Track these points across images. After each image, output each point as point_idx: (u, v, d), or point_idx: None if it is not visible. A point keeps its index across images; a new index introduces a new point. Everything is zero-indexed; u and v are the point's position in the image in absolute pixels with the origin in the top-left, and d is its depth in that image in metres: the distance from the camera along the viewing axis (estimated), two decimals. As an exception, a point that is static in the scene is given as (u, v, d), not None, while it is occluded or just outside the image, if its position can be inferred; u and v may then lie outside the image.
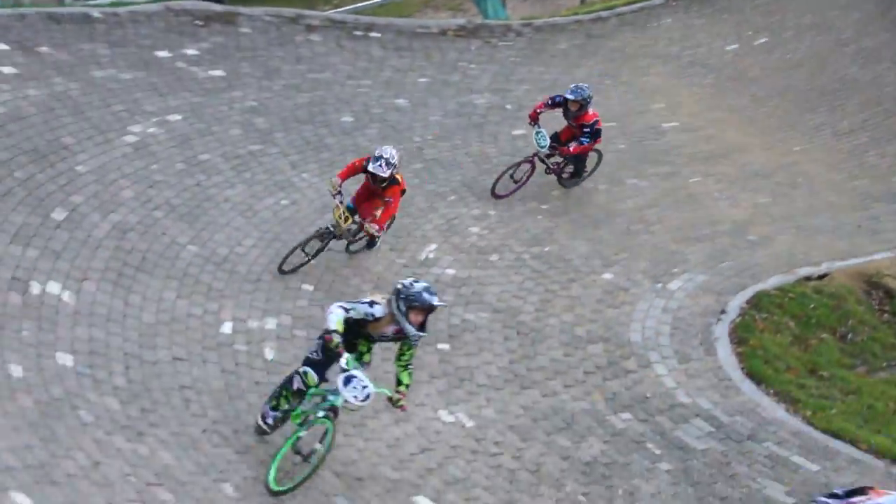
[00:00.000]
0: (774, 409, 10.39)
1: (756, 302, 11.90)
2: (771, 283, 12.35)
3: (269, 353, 10.13)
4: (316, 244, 11.22)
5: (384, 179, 10.94)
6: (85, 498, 7.97)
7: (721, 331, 11.50)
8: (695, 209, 14.06)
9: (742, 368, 10.93)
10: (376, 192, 11.16)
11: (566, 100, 13.23)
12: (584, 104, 13.14)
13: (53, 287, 9.83)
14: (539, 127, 13.20)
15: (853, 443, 9.86)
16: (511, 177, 13.34)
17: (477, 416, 10.07)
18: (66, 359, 9.20)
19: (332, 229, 11.08)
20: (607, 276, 12.33)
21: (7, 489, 7.77)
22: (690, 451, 9.88)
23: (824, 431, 10.03)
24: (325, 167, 12.75)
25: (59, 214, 10.62)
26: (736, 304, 11.92)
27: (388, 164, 10.84)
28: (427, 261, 11.93)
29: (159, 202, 11.35)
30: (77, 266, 10.17)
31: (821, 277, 12.30)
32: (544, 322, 11.45)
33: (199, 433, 9.00)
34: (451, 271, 11.86)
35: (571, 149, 13.28)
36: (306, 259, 11.19)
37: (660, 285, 12.25)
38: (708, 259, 12.96)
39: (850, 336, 11.50)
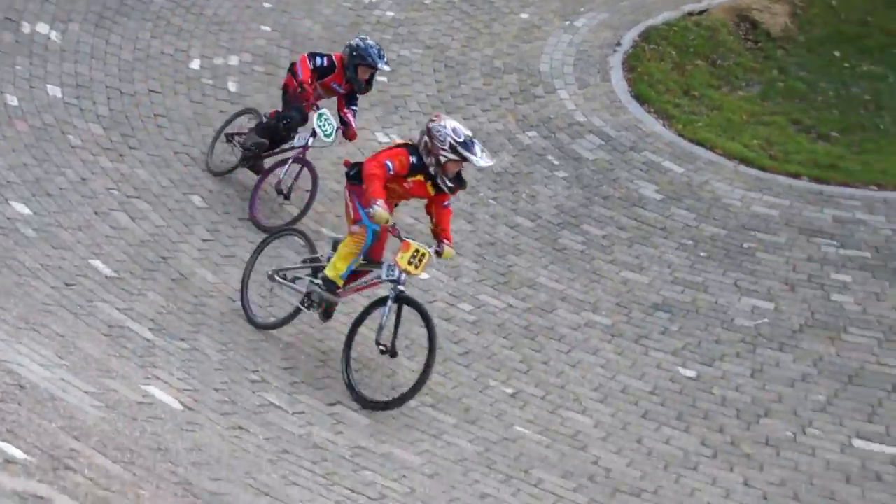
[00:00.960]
0: (653, 125, 10.12)
1: (646, 35, 11.35)
2: (660, 18, 11.74)
3: (232, 86, 9.65)
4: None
5: (463, 183, 6.54)
6: (74, 207, 7.73)
7: (615, 60, 11.04)
8: (602, -44, 13.19)
9: (630, 92, 10.55)
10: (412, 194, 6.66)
11: (360, 66, 8.14)
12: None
13: (42, 27, 9.16)
14: (321, 107, 8.21)
15: (712, 148, 9.70)
16: (281, 193, 8.18)
17: (407, 137, 9.74)
18: (55, 91, 8.70)
19: (401, 287, 6.51)
20: (524, 15, 11.69)
21: (8, 199, 7.51)
22: (583, 161, 9.67)
23: (691, 140, 9.81)
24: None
25: (45, -35, 9.77)
26: (629, 37, 11.37)
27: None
28: (370, 4, 11.23)
29: (133, -46, 10.46)
30: (63, 8, 9.45)
31: (701, 13, 11.74)
32: (468, 56, 10.94)
33: (171, 154, 8.66)
34: (390, 13, 11.19)
35: (355, 127, 8.45)
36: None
37: (568, 22, 11.65)
38: (610, -1, 12.30)
39: (719, 61, 11.08)
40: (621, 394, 7.20)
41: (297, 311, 6.95)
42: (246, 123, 8.81)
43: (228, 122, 8.87)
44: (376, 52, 8.27)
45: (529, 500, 6.01)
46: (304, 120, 8.29)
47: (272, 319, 7.15)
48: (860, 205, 8.91)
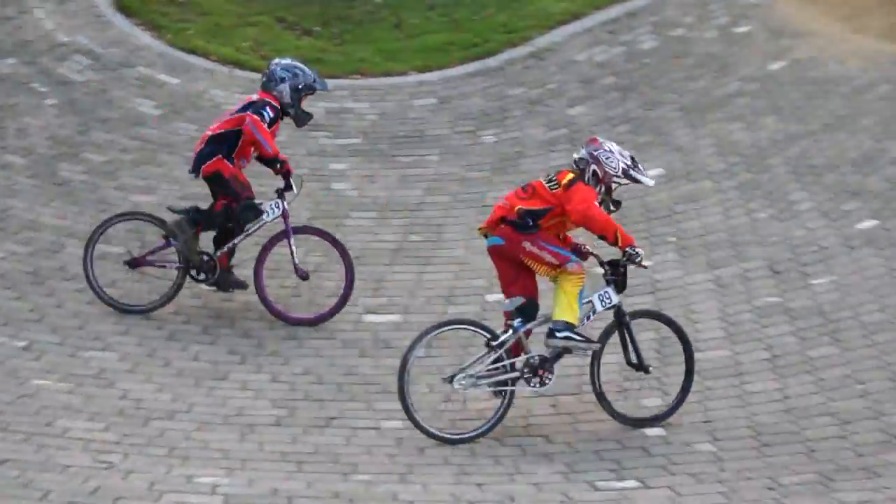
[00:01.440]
0: (143, 37, 9.80)
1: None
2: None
3: None
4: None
5: (619, 204, 6.16)
6: None
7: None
8: None
9: (113, 4, 10.09)
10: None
11: (304, 92, 7.03)
12: None
13: None
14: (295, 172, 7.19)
15: (205, 56, 9.68)
16: (301, 276, 7.22)
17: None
18: None
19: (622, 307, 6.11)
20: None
21: None
22: (73, 85, 9.13)
23: (183, 50, 9.71)
24: None
25: None
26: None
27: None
28: None
29: None
30: None
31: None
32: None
33: None
34: None
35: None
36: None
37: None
38: None
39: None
40: (144, 321, 7.08)
41: (510, 396, 6.04)
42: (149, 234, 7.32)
43: (101, 230, 7.15)
44: (317, 75, 7.20)
45: (55, 453, 5.75)
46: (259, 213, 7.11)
47: (474, 427, 5.99)
48: (347, 94, 9.44)
